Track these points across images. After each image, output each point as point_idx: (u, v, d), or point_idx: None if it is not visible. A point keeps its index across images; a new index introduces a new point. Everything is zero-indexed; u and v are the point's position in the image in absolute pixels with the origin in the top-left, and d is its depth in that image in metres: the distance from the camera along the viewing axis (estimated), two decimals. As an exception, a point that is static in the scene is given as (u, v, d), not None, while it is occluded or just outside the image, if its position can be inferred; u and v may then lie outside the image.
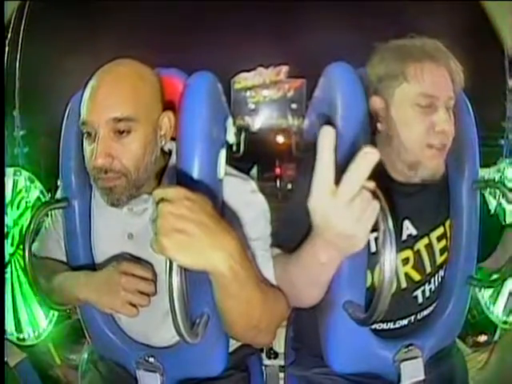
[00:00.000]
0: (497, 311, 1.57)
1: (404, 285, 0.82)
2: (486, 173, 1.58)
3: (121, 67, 0.71)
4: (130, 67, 0.72)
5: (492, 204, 1.34)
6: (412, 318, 0.83)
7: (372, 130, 0.79)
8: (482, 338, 1.69)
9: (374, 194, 0.52)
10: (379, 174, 0.49)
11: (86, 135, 0.70)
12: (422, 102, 0.76)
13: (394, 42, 0.81)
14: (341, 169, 0.50)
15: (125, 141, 0.68)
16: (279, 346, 1.37)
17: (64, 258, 0.84)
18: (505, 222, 1.22)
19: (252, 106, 5.09)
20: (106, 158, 0.67)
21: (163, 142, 0.73)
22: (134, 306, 0.69)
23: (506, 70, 1.66)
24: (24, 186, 1.49)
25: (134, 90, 0.69)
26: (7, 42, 1.47)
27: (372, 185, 0.51)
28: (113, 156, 0.68)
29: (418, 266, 0.83)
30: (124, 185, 0.69)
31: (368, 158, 0.48)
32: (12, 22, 1.48)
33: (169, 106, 0.75)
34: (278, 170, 3.64)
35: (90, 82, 0.70)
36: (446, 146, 0.77)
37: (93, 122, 0.68)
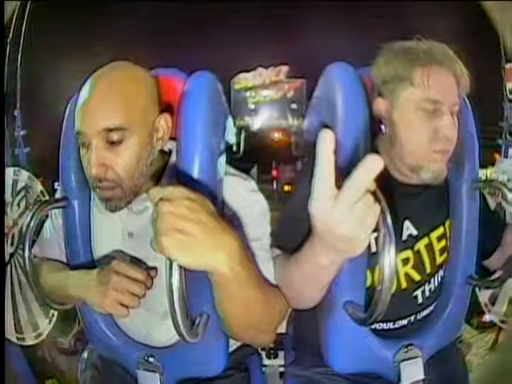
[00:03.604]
0: (497, 311, 1.57)
1: (404, 285, 0.82)
2: (484, 173, 1.58)
3: (113, 73, 0.70)
4: (123, 72, 0.70)
5: (492, 204, 1.34)
6: (412, 318, 0.83)
7: (375, 131, 0.79)
8: (487, 318, 1.67)
9: (375, 196, 0.52)
10: (380, 174, 0.49)
11: (81, 144, 0.70)
12: (427, 107, 0.75)
13: (400, 43, 0.79)
14: (341, 170, 0.50)
15: (118, 150, 0.68)
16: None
17: (64, 258, 0.84)
18: (505, 221, 1.22)
19: (252, 107, 5.11)
20: (100, 168, 0.67)
21: (160, 145, 0.73)
22: (125, 306, 0.69)
23: (504, 71, 1.66)
24: (24, 186, 1.49)
25: (126, 97, 0.68)
26: (8, 41, 1.47)
27: (373, 186, 0.51)
28: (106, 166, 0.68)
29: (418, 266, 0.82)
30: (120, 194, 0.70)
31: (372, 165, 0.47)
32: (13, 22, 1.48)
33: (167, 106, 0.74)
34: (276, 170, 3.64)
35: (83, 88, 0.69)
36: (449, 151, 0.77)
37: (85, 133, 0.68)
